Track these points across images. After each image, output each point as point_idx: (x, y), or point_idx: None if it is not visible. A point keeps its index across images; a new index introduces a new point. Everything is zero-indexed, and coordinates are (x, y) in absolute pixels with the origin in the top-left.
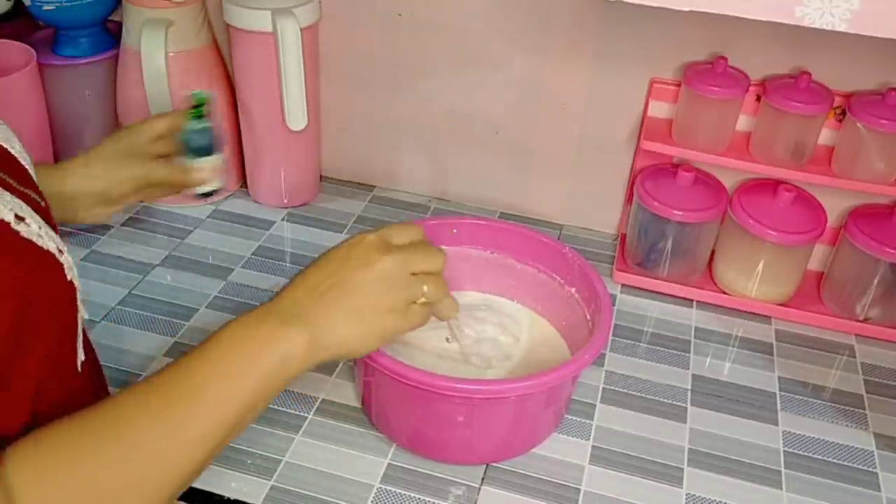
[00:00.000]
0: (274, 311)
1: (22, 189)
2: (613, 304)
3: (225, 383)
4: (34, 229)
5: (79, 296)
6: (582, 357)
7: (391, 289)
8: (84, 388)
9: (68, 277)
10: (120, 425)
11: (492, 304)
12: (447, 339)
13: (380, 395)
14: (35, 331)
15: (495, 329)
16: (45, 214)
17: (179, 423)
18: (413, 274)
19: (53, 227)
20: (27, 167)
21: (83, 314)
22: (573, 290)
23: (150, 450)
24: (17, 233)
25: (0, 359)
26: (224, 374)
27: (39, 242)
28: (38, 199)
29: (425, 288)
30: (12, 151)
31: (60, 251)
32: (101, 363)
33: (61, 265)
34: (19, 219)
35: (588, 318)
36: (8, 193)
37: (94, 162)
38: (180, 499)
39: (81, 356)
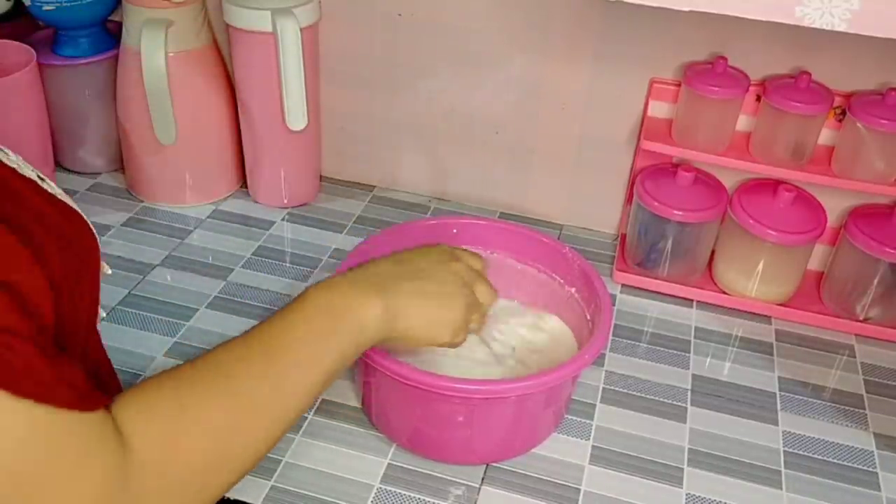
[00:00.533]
0: (354, 279)
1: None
2: (613, 304)
3: (316, 340)
4: (57, 189)
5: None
6: (582, 357)
7: (462, 286)
8: (99, 347)
9: (93, 231)
10: (224, 375)
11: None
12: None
13: (380, 396)
14: (77, 277)
15: (521, 328)
16: None
17: (279, 375)
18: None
19: None
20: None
21: (106, 270)
22: (573, 290)
23: (253, 398)
24: (44, 190)
25: (63, 294)
26: (316, 331)
27: (63, 198)
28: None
29: (475, 316)
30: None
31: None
32: None
33: (85, 220)
34: (41, 178)
35: (588, 317)
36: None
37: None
38: None
39: (102, 314)
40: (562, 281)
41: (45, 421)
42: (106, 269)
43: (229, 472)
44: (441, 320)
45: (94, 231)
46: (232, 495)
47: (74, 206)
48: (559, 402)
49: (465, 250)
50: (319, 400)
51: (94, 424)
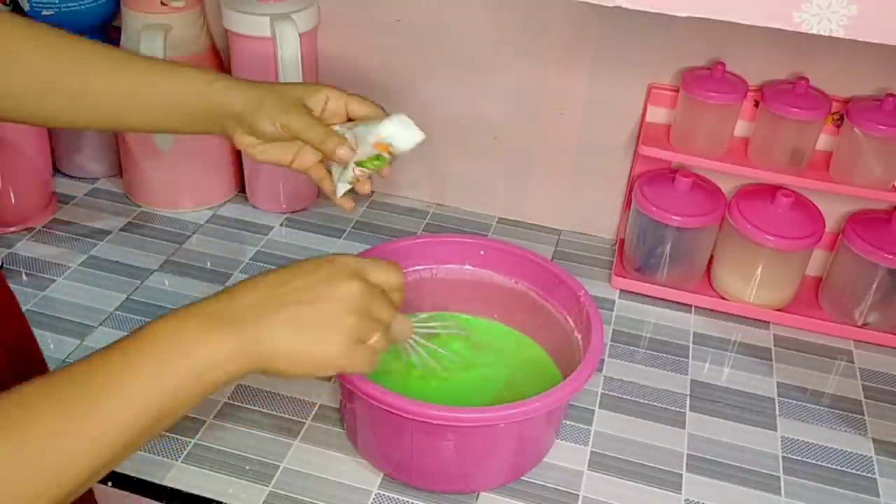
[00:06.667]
0: (210, 311)
1: None
2: (605, 323)
3: (138, 380)
4: None
5: None
6: (571, 383)
7: (344, 315)
8: None
9: None
10: (23, 408)
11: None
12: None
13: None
14: None
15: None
16: None
17: (80, 416)
18: (373, 316)
19: None
20: None
21: None
22: (558, 305)
23: (45, 440)
24: None
25: None
26: (143, 368)
27: None
28: None
29: (377, 336)
30: None
31: None
32: None
33: None
34: None
35: (578, 336)
36: None
37: (254, 91)
38: None
39: None
40: (546, 296)
41: None
42: None
43: None
44: (313, 355)
45: None
46: (230, 501)
47: None
48: (536, 432)
49: (378, 262)
50: (318, 406)
51: None
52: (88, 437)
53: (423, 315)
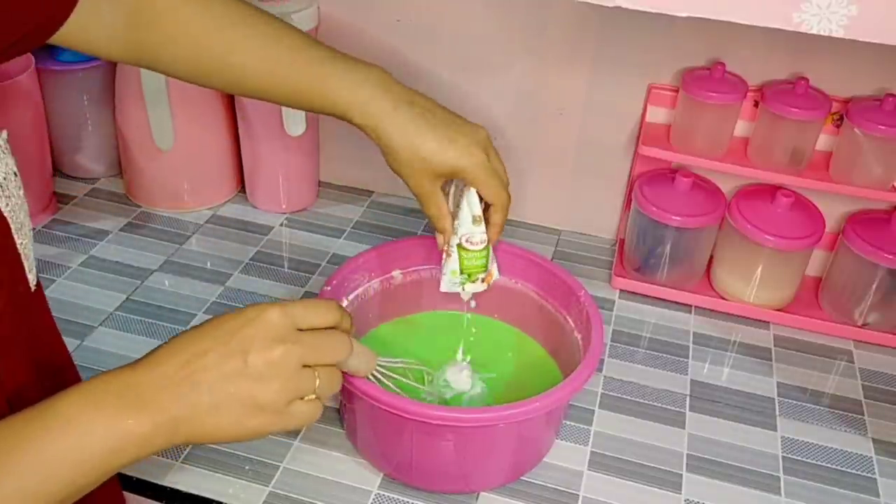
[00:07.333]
0: (123, 394)
1: None
2: (605, 323)
3: (53, 448)
4: None
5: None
6: (571, 383)
7: (269, 383)
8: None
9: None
10: None
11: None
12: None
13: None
14: None
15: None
16: None
17: None
18: (306, 366)
19: None
20: None
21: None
22: (558, 305)
23: None
24: None
25: None
26: (58, 439)
27: None
28: None
29: (317, 382)
30: None
31: None
32: (100, 368)
33: None
34: None
35: (578, 336)
36: None
37: (400, 142)
38: None
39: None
40: (550, 300)
41: None
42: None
43: None
44: (237, 432)
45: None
46: (230, 501)
47: None
48: (554, 423)
49: (307, 304)
50: None
51: None
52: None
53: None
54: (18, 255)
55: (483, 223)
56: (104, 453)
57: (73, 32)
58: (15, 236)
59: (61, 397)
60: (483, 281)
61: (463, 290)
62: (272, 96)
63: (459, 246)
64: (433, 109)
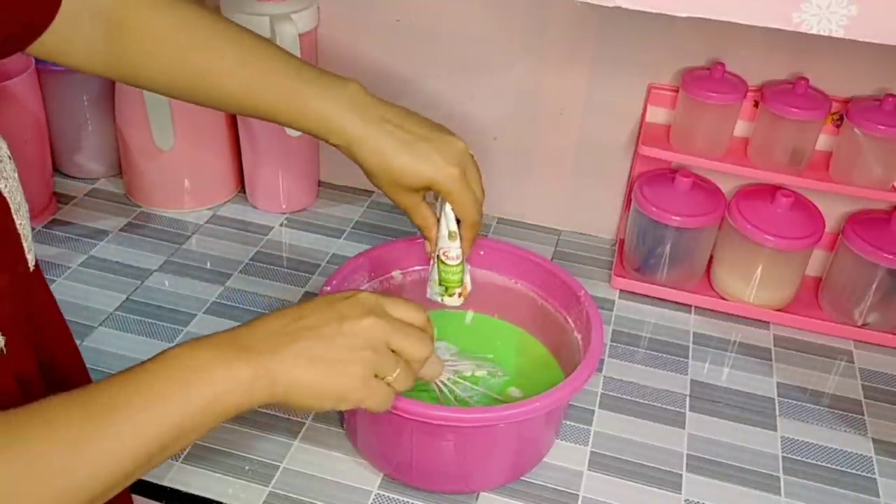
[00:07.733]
0: (228, 341)
1: None
2: (605, 323)
3: (149, 404)
4: None
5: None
6: (571, 383)
7: (359, 349)
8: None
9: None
10: (46, 421)
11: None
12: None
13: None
14: None
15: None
16: None
17: (99, 433)
18: (392, 350)
19: None
20: None
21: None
22: (558, 305)
23: (65, 454)
24: None
25: None
26: (155, 394)
27: None
28: None
29: (397, 371)
30: None
31: None
32: (99, 369)
33: None
34: None
35: (578, 336)
36: None
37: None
38: None
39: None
40: (550, 299)
41: None
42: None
43: None
44: (326, 388)
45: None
46: (229, 501)
47: None
48: (555, 423)
49: (399, 300)
50: None
51: None
52: (106, 452)
53: (452, 350)
54: (18, 235)
55: (458, 239)
56: (209, 399)
57: (53, 43)
58: (14, 216)
59: (173, 351)
60: (459, 295)
61: (442, 300)
62: (250, 113)
63: (438, 258)
64: (407, 124)
